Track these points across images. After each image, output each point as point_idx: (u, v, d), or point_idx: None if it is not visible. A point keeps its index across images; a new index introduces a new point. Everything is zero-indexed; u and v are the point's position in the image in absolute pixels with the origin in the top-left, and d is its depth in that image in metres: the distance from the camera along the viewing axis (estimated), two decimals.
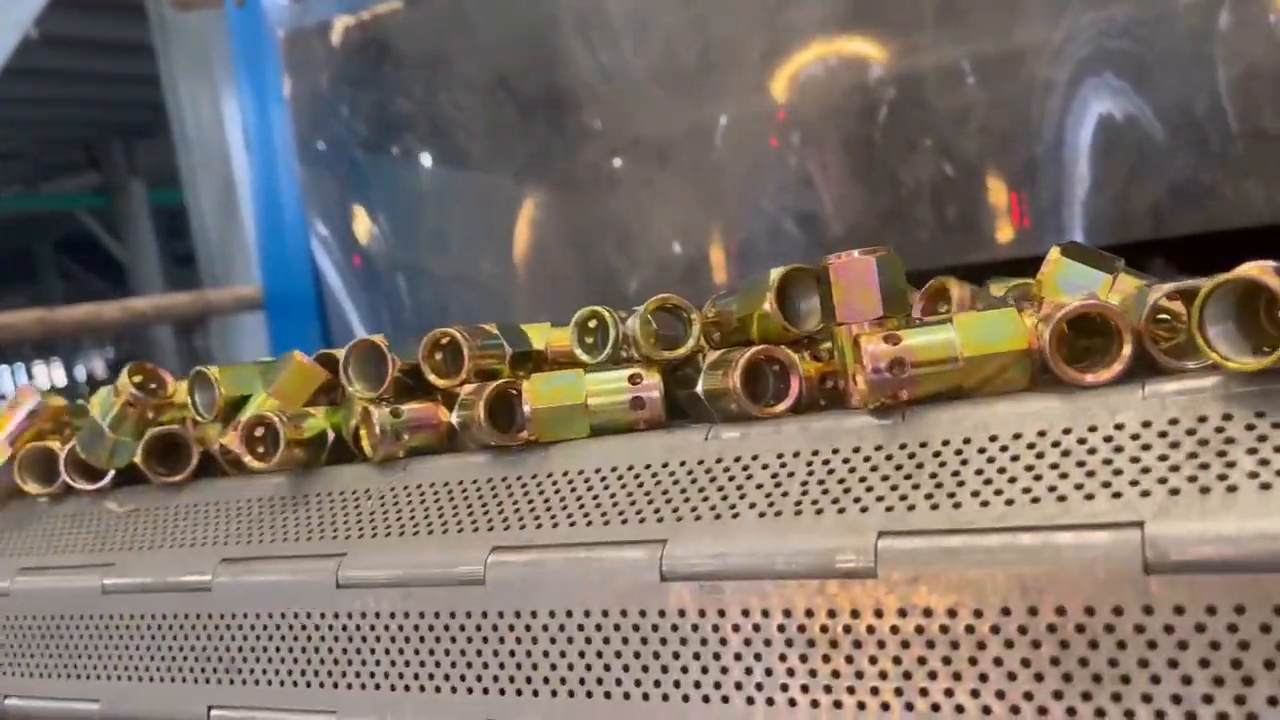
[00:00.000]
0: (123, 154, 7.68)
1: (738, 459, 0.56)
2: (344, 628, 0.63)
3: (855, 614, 0.48)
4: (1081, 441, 0.48)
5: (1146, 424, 0.47)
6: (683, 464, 0.58)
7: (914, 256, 1.39)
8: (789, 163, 1.52)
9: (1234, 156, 1.25)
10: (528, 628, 0.57)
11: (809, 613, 0.49)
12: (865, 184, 1.47)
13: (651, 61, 1.66)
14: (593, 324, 0.68)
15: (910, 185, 1.42)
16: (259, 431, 0.71)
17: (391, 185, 1.98)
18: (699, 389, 0.61)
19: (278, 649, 0.66)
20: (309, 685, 0.64)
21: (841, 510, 0.50)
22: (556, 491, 0.61)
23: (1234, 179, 1.25)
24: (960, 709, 0.46)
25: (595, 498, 0.59)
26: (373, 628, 0.62)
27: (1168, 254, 1.42)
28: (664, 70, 1.64)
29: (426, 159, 1.91)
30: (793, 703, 0.50)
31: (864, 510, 0.50)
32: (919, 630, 0.47)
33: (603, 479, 0.60)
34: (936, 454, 0.51)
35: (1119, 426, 0.47)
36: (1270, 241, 1.29)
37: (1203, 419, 0.46)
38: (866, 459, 0.52)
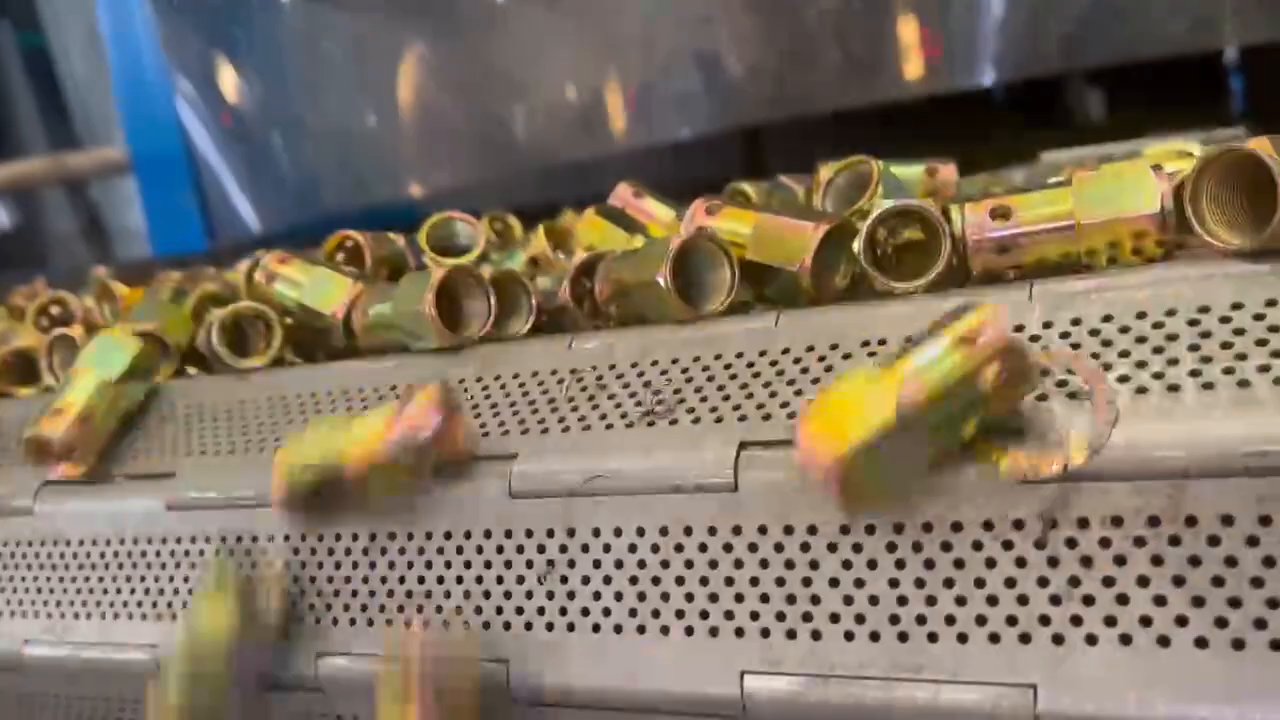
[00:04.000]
0: None
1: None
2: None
3: (712, 531, 0.44)
4: None
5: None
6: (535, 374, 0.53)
7: (820, 97, 1.32)
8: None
9: None
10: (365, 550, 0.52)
11: (663, 530, 0.45)
12: (766, 19, 1.35)
13: None
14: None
15: (813, 21, 1.32)
16: None
17: (259, 31, 1.79)
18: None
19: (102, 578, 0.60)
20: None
21: (696, 420, 0.46)
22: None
23: (1147, 6, 1.17)
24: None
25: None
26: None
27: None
28: None
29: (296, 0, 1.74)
30: (641, 629, 0.46)
31: (719, 420, 0.45)
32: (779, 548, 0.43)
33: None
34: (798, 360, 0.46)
35: None
36: (1187, 70, 1.27)
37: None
38: (727, 367, 0.48)
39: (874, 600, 0.41)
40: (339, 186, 1.78)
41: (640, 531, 0.46)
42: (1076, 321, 0.42)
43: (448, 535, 0.50)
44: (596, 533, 0.47)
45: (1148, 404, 0.38)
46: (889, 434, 0.36)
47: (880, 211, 0.50)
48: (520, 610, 0.48)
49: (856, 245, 0.50)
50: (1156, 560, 0.37)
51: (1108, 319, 0.42)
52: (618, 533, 0.46)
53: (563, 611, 0.47)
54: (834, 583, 0.42)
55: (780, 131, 1.45)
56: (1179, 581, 0.37)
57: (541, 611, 0.48)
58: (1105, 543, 0.38)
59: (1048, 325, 0.43)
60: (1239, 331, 0.39)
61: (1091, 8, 1.16)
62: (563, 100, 1.53)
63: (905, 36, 1.28)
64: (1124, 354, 0.40)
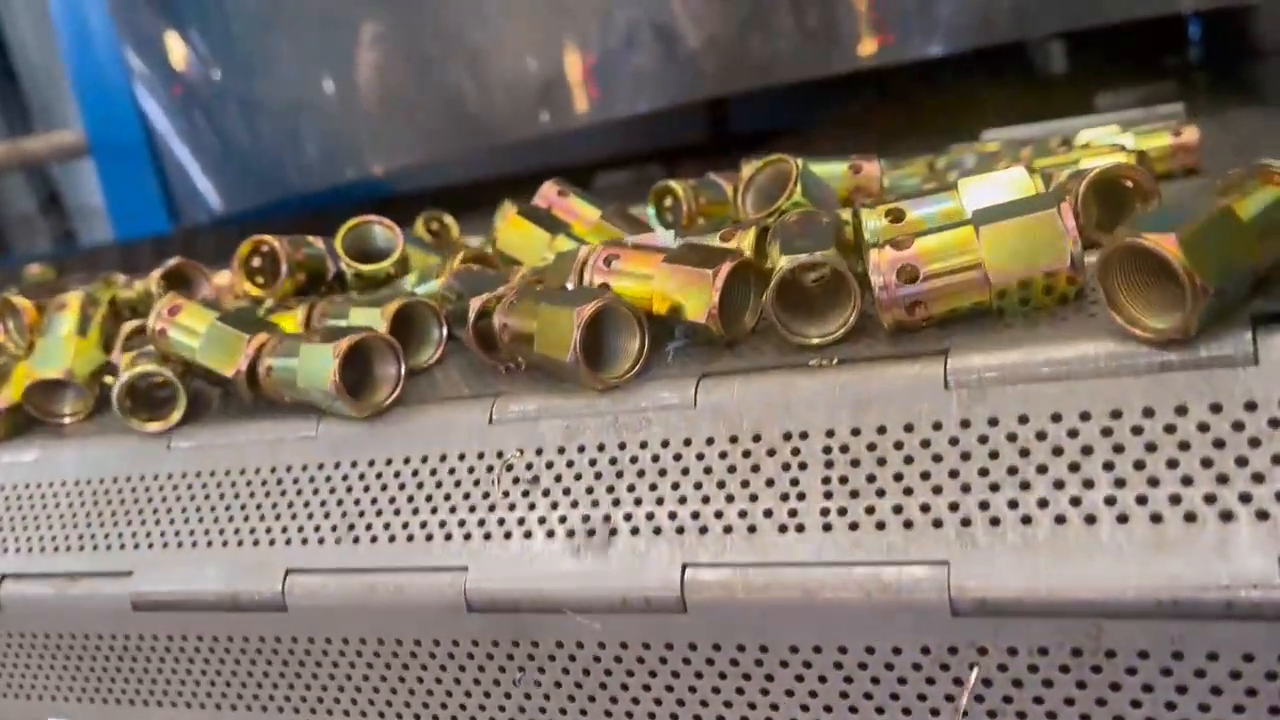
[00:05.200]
0: None
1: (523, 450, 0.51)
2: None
3: (668, 646, 0.47)
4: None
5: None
6: (462, 457, 0.52)
7: (776, 69, 1.30)
8: None
9: None
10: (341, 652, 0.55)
11: (623, 644, 0.48)
12: None
13: None
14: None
15: None
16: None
17: (215, 7, 1.69)
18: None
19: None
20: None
21: (635, 531, 0.47)
22: (332, 491, 0.55)
23: None
24: None
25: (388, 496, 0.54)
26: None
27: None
28: None
29: None
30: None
31: (658, 532, 0.46)
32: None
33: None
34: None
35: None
36: (1138, 35, 1.28)
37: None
38: (655, 459, 0.48)
39: (828, 709, 0.45)
40: (302, 165, 1.73)
41: (601, 645, 0.48)
42: (994, 421, 0.42)
43: (417, 642, 0.52)
44: (560, 644, 0.49)
45: (1067, 539, 0.40)
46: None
47: (786, 269, 0.48)
48: (503, 708, 0.51)
49: (769, 287, 0.49)
50: (1080, 684, 0.40)
51: (1024, 420, 0.42)
52: (580, 645, 0.48)
53: (542, 710, 0.51)
54: (789, 693, 0.45)
55: (744, 94, 1.42)
56: (1101, 703, 0.40)
57: (523, 710, 0.51)
58: (1033, 669, 0.41)
59: (965, 424, 0.43)
60: (1151, 448, 0.39)
61: None
62: (523, 74, 1.48)
63: (858, 8, 1.24)
64: (1042, 469, 0.41)
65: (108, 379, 0.69)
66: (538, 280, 0.58)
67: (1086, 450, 0.40)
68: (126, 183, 1.99)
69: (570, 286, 0.54)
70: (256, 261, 0.68)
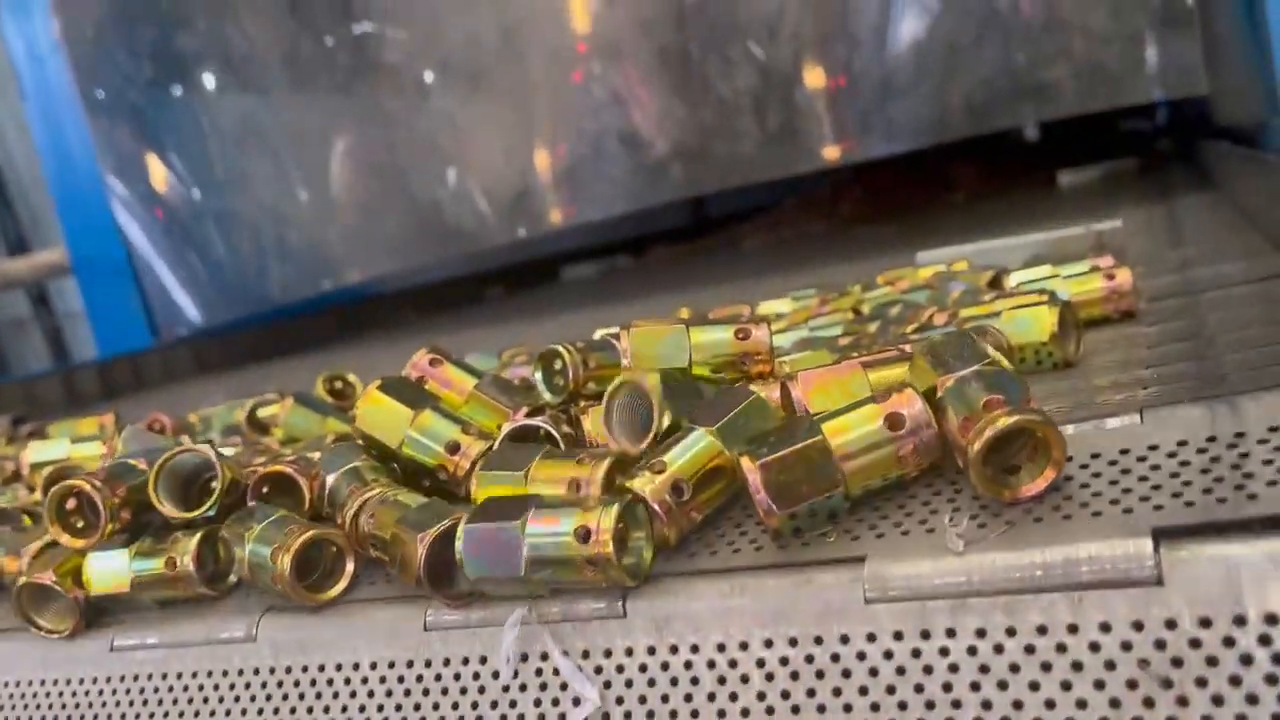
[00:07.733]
0: None
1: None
2: None
3: None
4: None
5: None
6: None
7: (740, 172, 1.36)
8: (607, 80, 1.43)
9: (1040, 49, 1.20)
10: None
11: None
12: (685, 98, 1.38)
13: None
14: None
15: (729, 97, 1.34)
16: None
17: (189, 128, 1.78)
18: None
19: None
20: None
21: None
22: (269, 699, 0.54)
23: (1046, 73, 1.19)
24: None
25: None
26: None
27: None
28: None
29: (222, 96, 1.74)
30: None
31: None
32: None
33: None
34: None
35: None
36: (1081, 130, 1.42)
37: None
38: None
39: None
40: (280, 277, 1.80)
41: None
42: None
43: None
44: None
45: None
46: None
47: None
48: None
49: None
50: None
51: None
52: None
53: None
54: None
55: None
56: None
57: None
58: None
59: None
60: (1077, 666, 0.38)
61: (995, 76, 1.17)
62: (494, 184, 1.55)
63: (819, 112, 1.30)
64: None
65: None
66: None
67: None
68: (109, 301, 2.05)
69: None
70: (71, 504, 0.60)
